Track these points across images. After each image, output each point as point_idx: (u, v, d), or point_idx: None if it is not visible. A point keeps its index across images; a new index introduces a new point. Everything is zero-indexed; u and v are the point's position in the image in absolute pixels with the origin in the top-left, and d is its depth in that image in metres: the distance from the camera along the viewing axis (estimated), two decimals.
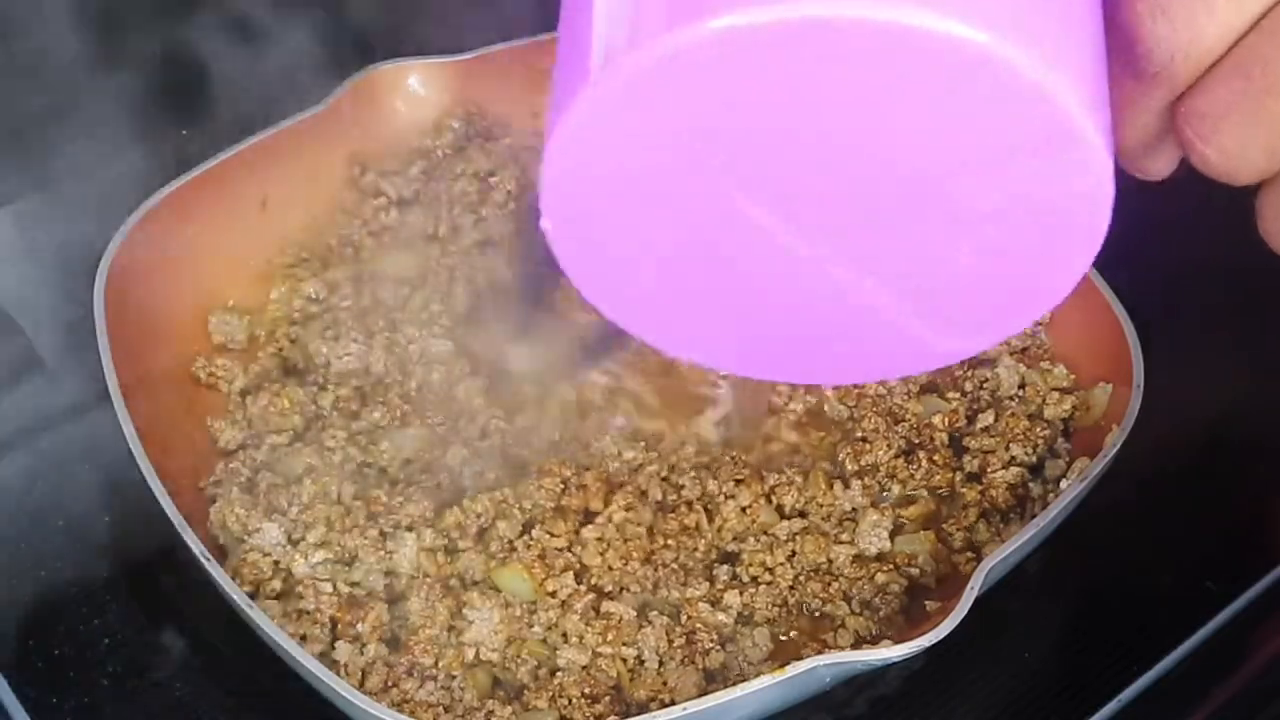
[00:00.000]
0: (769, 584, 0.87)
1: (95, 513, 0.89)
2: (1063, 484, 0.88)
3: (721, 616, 0.85)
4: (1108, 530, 0.93)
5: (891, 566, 0.88)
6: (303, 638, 0.81)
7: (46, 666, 0.84)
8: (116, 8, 1.09)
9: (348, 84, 1.05)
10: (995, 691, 0.85)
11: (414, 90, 1.09)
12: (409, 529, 0.86)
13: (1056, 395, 0.94)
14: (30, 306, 1.02)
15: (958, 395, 0.96)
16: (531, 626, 0.84)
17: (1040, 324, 0.98)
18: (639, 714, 0.78)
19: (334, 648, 0.81)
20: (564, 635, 0.84)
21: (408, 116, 1.09)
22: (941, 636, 0.76)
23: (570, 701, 0.80)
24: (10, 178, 1.10)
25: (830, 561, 0.88)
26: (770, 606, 0.86)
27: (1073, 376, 0.96)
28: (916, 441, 0.94)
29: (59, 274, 0.94)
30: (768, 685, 0.75)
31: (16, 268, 1.05)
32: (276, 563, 0.85)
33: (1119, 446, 0.85)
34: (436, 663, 0.81)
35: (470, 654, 0.82)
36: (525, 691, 0.81)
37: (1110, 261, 0.97)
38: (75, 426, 0.92)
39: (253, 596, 0.82)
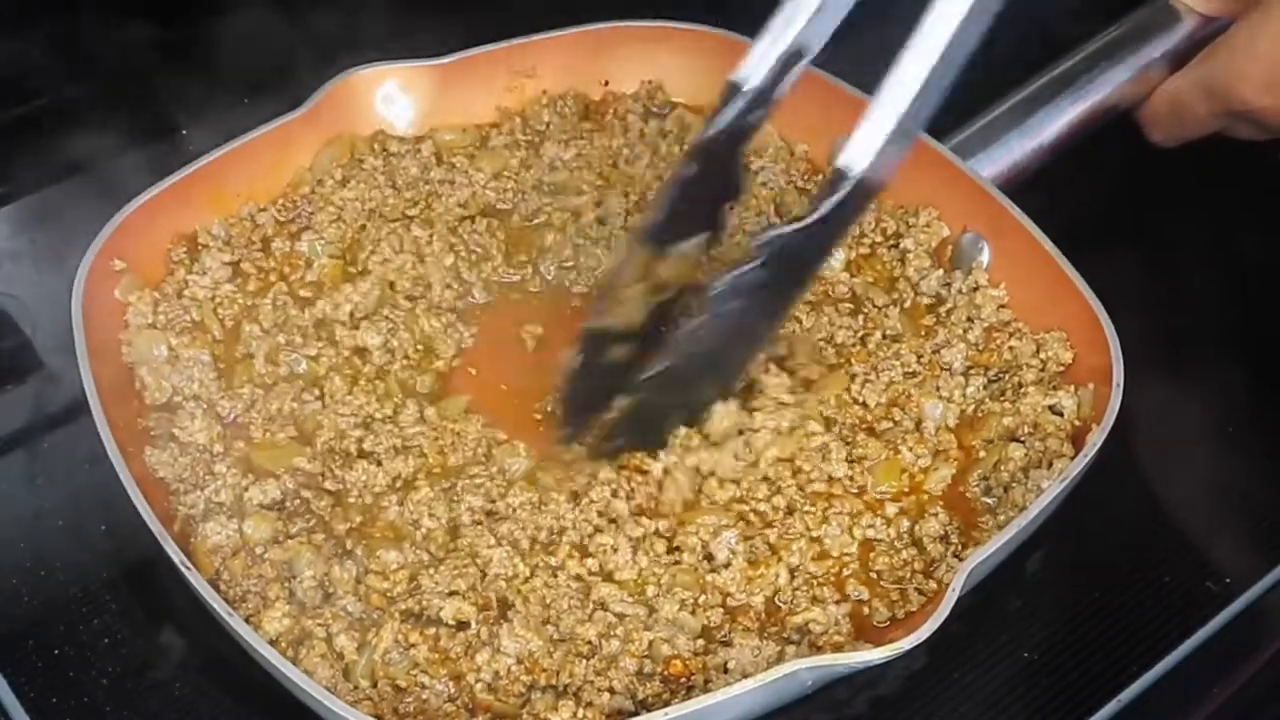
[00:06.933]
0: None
1: (95, 513, 0.89)
2: (1044, 484, 0.87)
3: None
4: (1107, 530, 0.93)
5: (882, 565, 0.87)
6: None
7: (46, 666, 0.84)
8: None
9: (327, 87, 1.05)
10: (996, 691, 0.85)
11: (392, 94, 1.08)
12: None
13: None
14: (30, 307, 1.02)
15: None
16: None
17: (1026, 332, 0.97)
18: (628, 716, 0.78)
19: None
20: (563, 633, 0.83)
21: (386, 120, 1.08)
22: (923, 639, 0.76)
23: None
24: (10, 177, 1.11)
25: (814, 560, 0.87)
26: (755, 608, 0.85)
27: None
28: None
29: (59, 274, 0.94)
30: (750, 689, 0.74)
31: (16, 268, 1.05)
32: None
33: (1098, 446, 0.85)
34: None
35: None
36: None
37: (1090, 263, 0.97)
38: (75, 426, 0.92)
39: None
